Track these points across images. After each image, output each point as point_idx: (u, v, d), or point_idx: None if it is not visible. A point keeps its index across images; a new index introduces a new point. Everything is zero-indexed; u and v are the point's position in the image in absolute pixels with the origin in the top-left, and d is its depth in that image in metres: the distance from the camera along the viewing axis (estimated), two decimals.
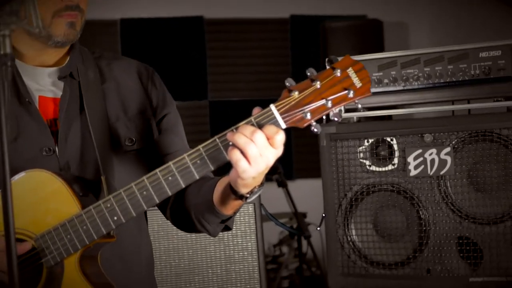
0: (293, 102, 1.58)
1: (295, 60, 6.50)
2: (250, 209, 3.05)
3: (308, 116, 1.58)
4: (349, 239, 2.87)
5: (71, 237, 1.68)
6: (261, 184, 1.69)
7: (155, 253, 2.96)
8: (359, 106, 1.61)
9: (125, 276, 1.84)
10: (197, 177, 1.64)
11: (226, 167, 1.69)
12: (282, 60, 6.53)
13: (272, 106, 1.60)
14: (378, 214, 2.85)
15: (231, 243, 3.04)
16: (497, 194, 2.66)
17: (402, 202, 2.80)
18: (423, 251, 2.76)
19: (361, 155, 2.85)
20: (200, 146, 1.63)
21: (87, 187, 1.81)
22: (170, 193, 1.66)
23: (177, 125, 2.04)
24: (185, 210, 1.89)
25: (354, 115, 2.90)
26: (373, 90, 2.86)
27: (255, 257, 3.03)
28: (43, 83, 1.88)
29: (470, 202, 2.70)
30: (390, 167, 2.81)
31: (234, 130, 1.60)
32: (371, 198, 2.86)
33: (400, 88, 2.82)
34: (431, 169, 2.73)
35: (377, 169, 2.83)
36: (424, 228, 2.75)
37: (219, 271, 3.02)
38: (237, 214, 2.98)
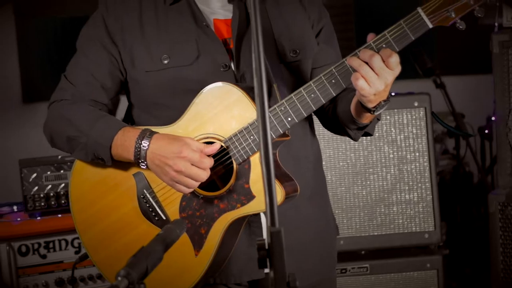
0: (438, 4, 1.79)
1: None
2: (421, 112, 3.23)
3: (453, 14, 1.79)
4: None
5: (254, 137, 1.94)
6: (387, 99, 1.88)
7: (335, 153, 3.24)
8: None
9: (295, 169, 2.08)
10: (344, 86, 1.89)
11: None
12: None
13: (419, 9, 1.80)
14: None
15: (403, 144, 3.25)
16: None
17: None
18: None
19: None
20: (332, 67, 1.88)
21: None
22: (334, 94, 1.90)
23: (332, 37, 2.21)
24: (336, 115, 2.12)
25: None
26: None
27: (426, 158, 3.24)
28: (214, 6, 2.10)
29: None
30: None
31: (358, 53, 1.82)
32: None
33: None
34: None
35: None
36: None
37: (392, 170, 3.26)
38: (410, 117, 3.19)
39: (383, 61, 1.79)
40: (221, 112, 1.97)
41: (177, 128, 2.00)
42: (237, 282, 2.08)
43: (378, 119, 2.11)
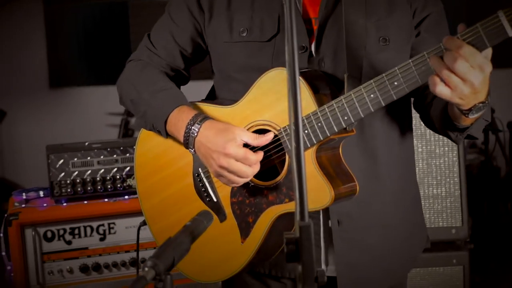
0: None
1: None
2: None
3: None
4: None
5: (308, 132, 1.81)
6: (485, 102, 1.68)
7: None
8: None
9: (368, 170, 1.97)
10: (421, 83, 1.69)
11: None
12: None
13: (500, 12, 1.55)
14: None
15: (432, 138, 3.22)
16: None
17: None
18: None
19: None
20: (396, 68, 1.69)
21: (333, 84, 1.92)
22: (395, 98, 1.73)
23: (439, 27, 2.00)
24: (430, 117, 1.97)
25: None
26: None
27: (455, 152, 3.21)
28: None
29: None
30: None
31: (442, 47, 1.61)
32: None
33: None
34: None
35: None
36: None
37: (420, 164, 3.23)
38: None
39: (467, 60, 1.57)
40: (279, 99, 1.86)
41: (235, 110, 1.93)
42: (292, 277, 2.03)
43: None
